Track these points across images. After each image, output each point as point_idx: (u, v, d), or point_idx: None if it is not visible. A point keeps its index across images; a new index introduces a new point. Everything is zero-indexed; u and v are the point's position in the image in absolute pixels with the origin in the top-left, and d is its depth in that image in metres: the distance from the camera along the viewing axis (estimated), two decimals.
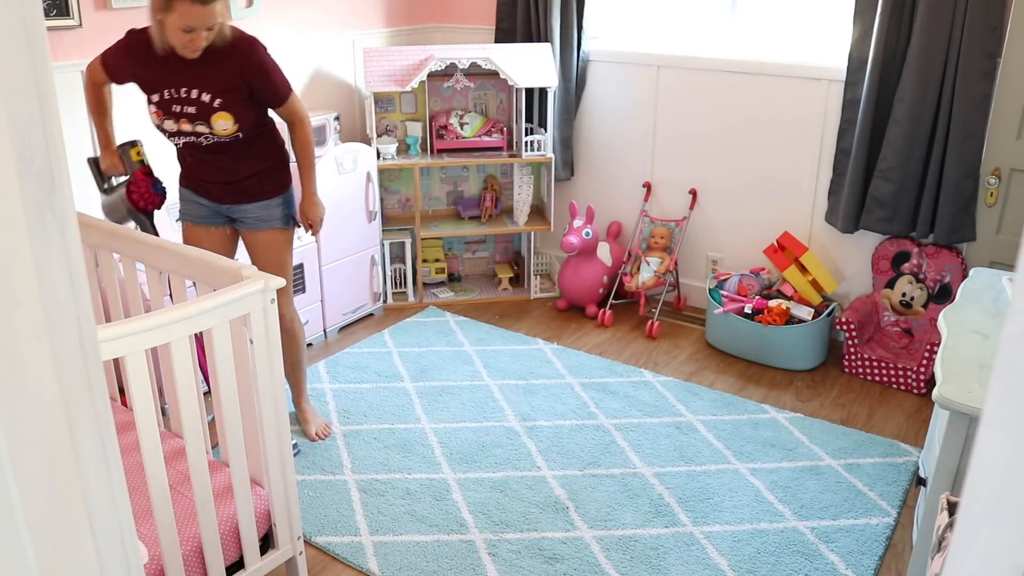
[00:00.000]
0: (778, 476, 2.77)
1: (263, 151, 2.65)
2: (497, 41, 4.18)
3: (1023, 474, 0.46)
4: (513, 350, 3.66)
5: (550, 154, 4.02)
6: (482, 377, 3.41)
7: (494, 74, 3.95)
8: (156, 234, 2.68)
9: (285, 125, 2.69)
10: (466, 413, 3.15)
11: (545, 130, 4.03)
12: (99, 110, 2.71)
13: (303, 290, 3.58)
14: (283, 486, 2.12)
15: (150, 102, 2.53)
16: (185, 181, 2.75)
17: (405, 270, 4.18)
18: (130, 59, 2.52)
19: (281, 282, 2.00)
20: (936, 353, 2.84)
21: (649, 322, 3.84)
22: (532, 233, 4.19)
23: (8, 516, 0.61)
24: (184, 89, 2.46)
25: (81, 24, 2.96)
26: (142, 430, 1.79)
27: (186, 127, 2.52)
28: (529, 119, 4.14)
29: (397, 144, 4.04)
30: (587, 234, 3.90)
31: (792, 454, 2.89)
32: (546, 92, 3.98)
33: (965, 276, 3.07)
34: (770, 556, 2.41)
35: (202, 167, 2.65)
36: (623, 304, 4.09)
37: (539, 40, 4.02)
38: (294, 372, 2.97)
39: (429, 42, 4.47)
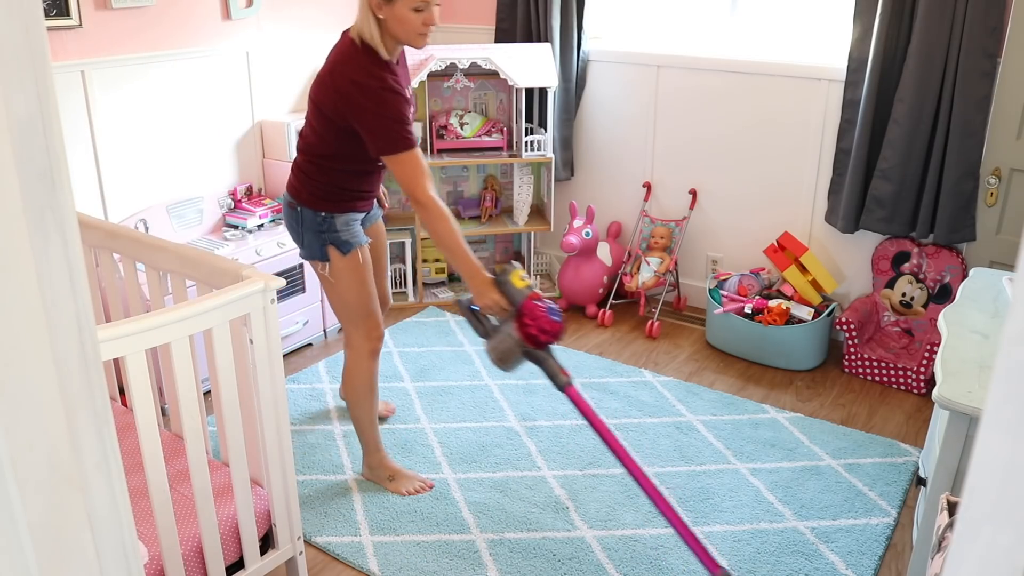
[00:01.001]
0: (778, 476, 2.77)
1: None
2: (497, 41, 4.18)
3: (1023, 474, 0.46)
4: None
5: (550, 154, 4.02)
6: (482, 377, 3.41)
7: (494, 74, 3.95)
8: (565, 373, 2.21)
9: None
10: (466, 413, 3.15)
11: (545, 130, 4.03)
12: (457, 234, 2.28)
13: (303, 290, 3.58)
14: (283, 486, 2.12)
15: None
16: (353, 205, 2.46)
17: (405, 270, 4.18)
18: (409, 102, 2.30)
19: (280, 282, 2.00)
20: (936, 353, 2.84)
21: (649, 322, 3.84)
22: (532, 233, 4.19)
23: (8, 516, 0.61)
24: (407, 94, 2.36)
25: (81, 24, 2.96)
26: (142, 430, 1.79)
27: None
28: (529, 119, 4.14)
29: None
30: (587, 234, 3.90)
31: (792, 454, 2.89)
32: (546, 92, 3.98)
33: (965, 276, 3.07)
34: (770, 556, 2.41)
35: (380, 174, 2.51)
36: (623, 304, 4.09)
37: (539, 40, 4.02)
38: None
39: (429, 42, 4.45)
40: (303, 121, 2.65)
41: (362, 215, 2.52)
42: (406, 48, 2.43)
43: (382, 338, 2.62)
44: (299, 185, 2.44)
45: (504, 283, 2.24)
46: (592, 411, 2.21)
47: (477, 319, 2.33)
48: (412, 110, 2.40)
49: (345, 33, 2.33)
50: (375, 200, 2.59)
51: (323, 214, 2.41)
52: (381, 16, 2.24)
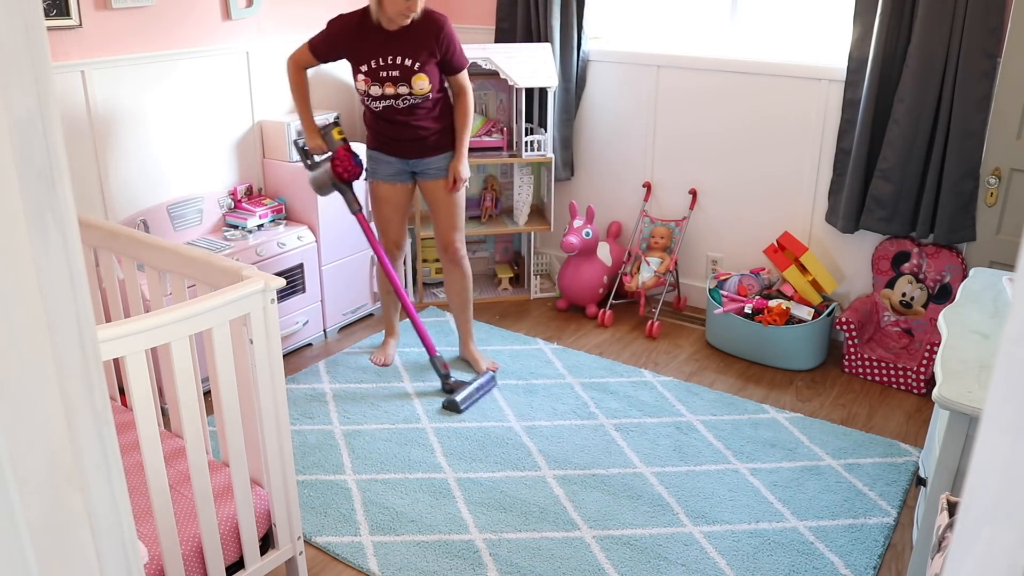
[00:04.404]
0: (778, 476, 2.77)
1: (442, 112, 3.19)
2: (497, 41, 4.18)
3: (1023, 474, 0.46)
4: (513, 350, 3.65)
5: (550, 154, 4.02)
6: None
7: (494, 74, 3.95)
8: (358, 202, 3.24)
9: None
10: (466, 413, 3.15)
11: (545, 130, 4.03)
12: (303, 94, 3.16)
13: (303, 290, 3.58)
14: (283, 486, 2.12)
15: (359, 71, 3.06)
16: (376, 144, 3.23)
17: (405, 270, 4.18)
18: (342, 39, 3.05)
19: (280, 282, 2.00)
20: (936, 353, 2.84)
21: (649, 322, 3.84)
22: (532, 233, 4.19)
23: (8, 516, 0.61)
24: (390, 57, 3.01)
25: (81, 24, 2.96)
26: (142, 430, 1.79)
27: (389, 90, 3.05)
28: (529, 119, 4.14)
29: None
30: (587, 234, 3.90)
31: (792, 454, 2.89)
32: (546, 92, 3.98)
33: (965, 276, 3.07)
34: (770, 556, 2.41)
35: (398, 128, 3.14)
36: (623, 304, 4.09)
37: (539, 40, 4.02)
38: (464, 311, 3.48)
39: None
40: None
41: (388, 159, 3.22)
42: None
43: (391, 256, 3.40)
44: None
45: (326, 134, 3.15)
46: (376, 241, 3.29)
47: (306, 156, 3.22)
48: (379, 66, 3.04)
49: None
50: (410, 151, 3.19)
51: (366, 147, 3.31)
52: None
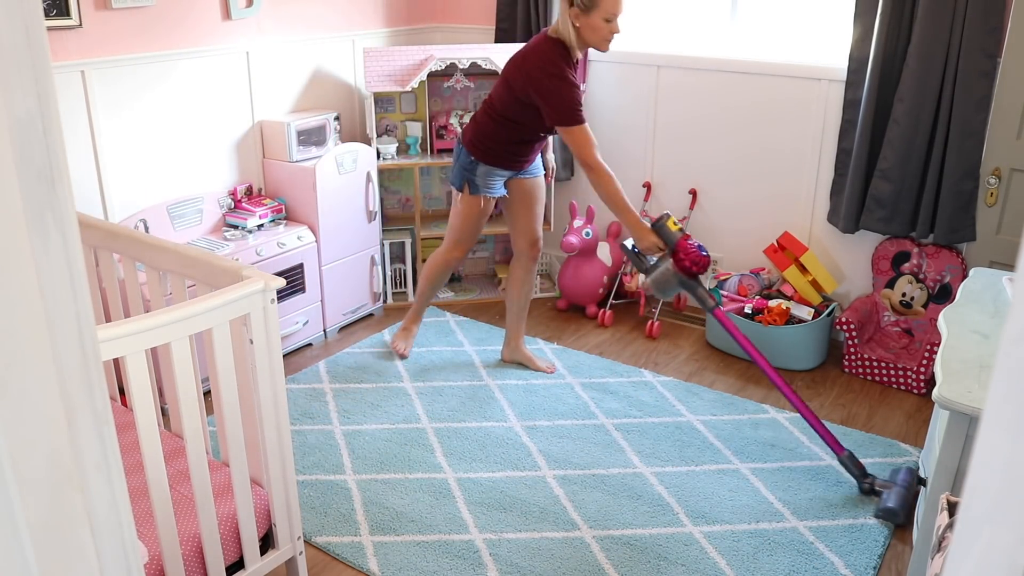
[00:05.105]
0: (778, 476, 2.77)
1: None
2: (497, 41, 4.18)
3: (1023, 474, 0.46)
4: None
5: (550, 154, 4.01)
6: (482, 377, 3.41)
7: (494, 74, 3.95)
8: (712, 298, 2.84)
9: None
10: (466, 413, 3.15)
11: None
12: (621, 191, 2.98)
13: (303, 290, 3.58)
14: (283, 486, 2.12)
15: None
16: (497, 161, 3.11)
17: (405, 270, 4.18)
18: (580, 91, 2.94)
19: (280, 282, 2.00)
20: (936, 353, 2.84)
21: (649, 322, 3.84)
22: None
23: (8, 516, 0.61)
24: (580, 86, 2.97)
25: (81, 24, 2.96)
26: (142, 430, 1.79)
27: None
28: None
29: (397, 144, 4.04)
30: (587, 234, 3.90)
31: (792, 454, 2.89)
32: None
33: (965, 276, 3.08)
34: (770, 556, 2.41)
35: (536, 146, 3.16)
36: (623, 304, 4.09)
37: None
38: (525, 311, 3.46)
39: (429, 42, 4.47)
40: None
41: (504, 173, 3.16)
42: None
43: (458, 260, 3.40)
44: (470, 131, 3.14)
45: (661, 228, 2.83)
46: (738, 330, 2.78)
47: (639, 258, 2.96)
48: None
49: (544, 31, 2.97)
50: (527, 165, 3.22)
51: (472, 158, 3.11)
52: (577, 24, 2.85)
